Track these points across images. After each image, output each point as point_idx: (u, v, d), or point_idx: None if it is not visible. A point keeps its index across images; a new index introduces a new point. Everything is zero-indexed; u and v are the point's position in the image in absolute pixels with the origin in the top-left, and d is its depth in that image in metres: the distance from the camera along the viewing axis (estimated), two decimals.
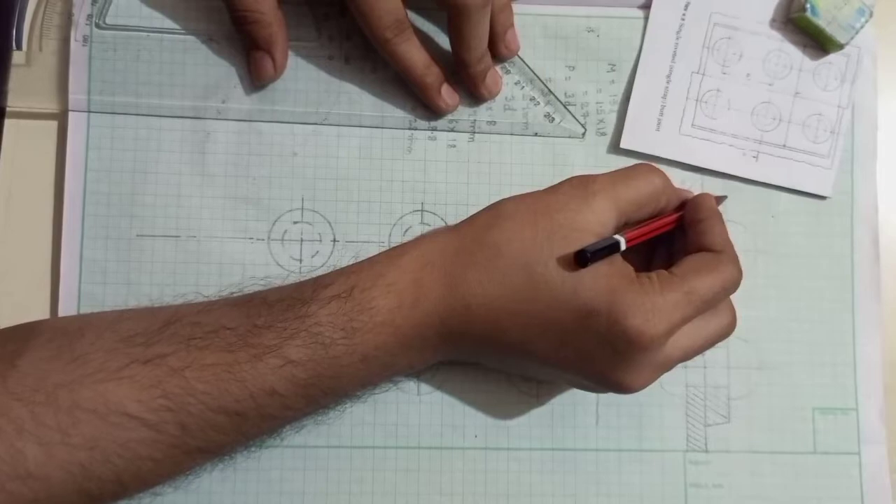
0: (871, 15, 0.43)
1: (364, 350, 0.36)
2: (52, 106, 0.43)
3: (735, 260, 0.38)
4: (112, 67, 0.43)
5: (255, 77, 0.43)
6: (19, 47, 0.43)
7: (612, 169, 0.42)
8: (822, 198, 0.45)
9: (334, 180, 0.44)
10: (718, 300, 0.37)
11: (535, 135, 0.44)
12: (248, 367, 0.34)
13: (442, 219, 0.44)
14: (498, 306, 0.36)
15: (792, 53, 0.45)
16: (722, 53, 0.45)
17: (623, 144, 0.44)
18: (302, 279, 0.38)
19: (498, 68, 0.44)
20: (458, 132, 0.44)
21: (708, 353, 0.43)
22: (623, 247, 0.36)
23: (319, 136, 0.44)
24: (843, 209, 0.45)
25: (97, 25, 0.43)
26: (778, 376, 0.44)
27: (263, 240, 0.43)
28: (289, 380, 0.35)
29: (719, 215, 0.40)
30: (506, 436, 0.43)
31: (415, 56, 0.42)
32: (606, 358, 0.36)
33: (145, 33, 0.43)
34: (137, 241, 0.43)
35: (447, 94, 0.44)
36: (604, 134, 0.45)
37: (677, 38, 0.45)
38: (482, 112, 0.44)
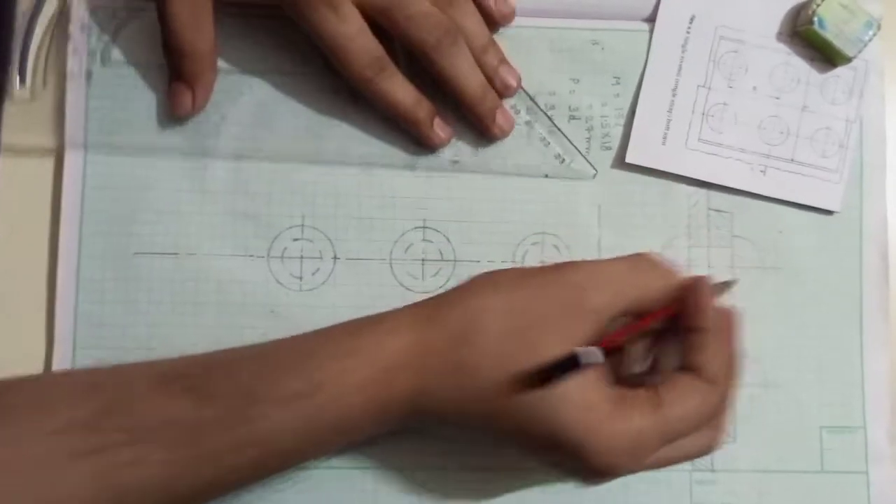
0: (878, 28, 0.43)
1: (319, 443, 0.35)
2: (49, 141, 0.42)
3: (725, 391, 0.36)
4: (111, 105, 0.42)
5: (173, 109, 0.42)
6: (23, 82, 0.42)
7: (617, 186, 0.42)
8: (831, 213, 0.44)
9: (335, 196, 0.43)
10: (699, 429, 0.35)
11: (546, 176, 0.43)
12: (188, 468, 0.32)
13: (444, 236, 0.43)
14: (466, 420, 0.35)
15: (799, 67, 0.44)
16: (728, 67, 0.44)
17: (628, 159, 0.44)
18: (264, 344, 0.36)
19: (509, 108, 0.43)
20: (464, 173, 0.43)
21: None
22: (596, 361, 0.33)
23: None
24: (851, 224, 0.44)
25: (102, 62, 0.42)
26: (785, 394, 0.43)
27: (263, 257, 0.42)
28: (232, 476, 0.33)
29: (730, 330, 0.37)
30: (509, 456, 0.42)
31: (400, 93, 0.41)
32: (572, 474, 0.35)
33: (145, 70, 0.43)
34: (135, 259, 0.42)
35: (440, 127, 0.42)
36: (609, 148, 0.44)
37: (683, 52, 0.44)
38: (488, 153, 0.43)
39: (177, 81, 0.41)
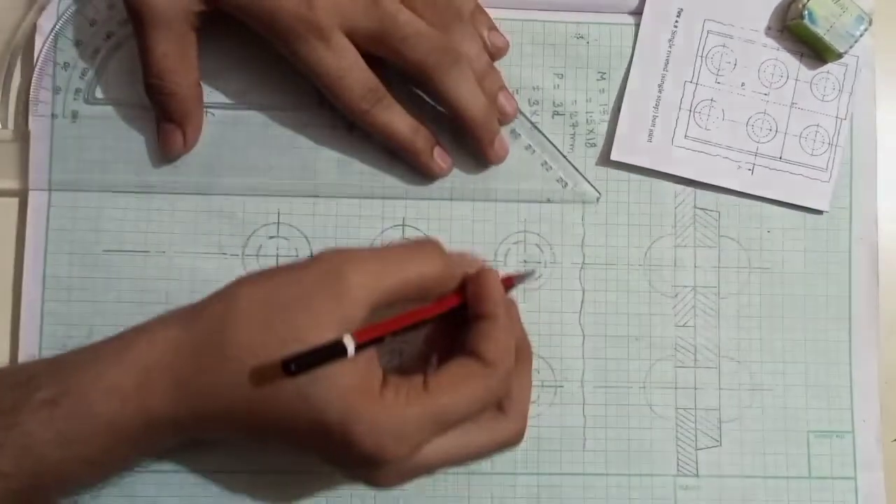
0: (870, 23, 0.42)
1: (87, 455, 0.32)
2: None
3: (505, 374, 0.34)
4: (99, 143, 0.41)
5: (164, 150, 0.40)
6: (5, 125, 0.41)
7: (602, 184, 0.41)
8: (819, 212, 0.43)
9: (312, 192, 0.42)
10: (478, 415, 0.34)
11: (548, 201, 0.42)
12: None
13: (424, 234, 0.42)
14: (231, 415, 0.33)
15: (788, 62, 0.43)
16: (716, 62, 0.43)
17: (613, 156, 0.42)
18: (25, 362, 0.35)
19: (509, 132, 0.42)
20: (465, 201, 0.42)
21: (699, 374, 0.42)
22: (351, 352, 0.31)
23: (298, 148, 0.42)
24: (840, 224, 0.43)
25: (86, 101, 0.41)
26: (771, 398, 0.42)
27: (237, 255, 0.41)
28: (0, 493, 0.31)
29: (506, 313, 0.35)
30: (489, 460, 0.41)
31: (398, 123, 0.40)
32: (352, 464, 0.33)
33: (131, 109, 0.41)
34: (104, 256, 0.40)
35: (440, 156, 0.41)
36: (594, 145, 0.43)
37: (670, 46, 0.43)
38: (490, 180, 0.42)
39: (165, 122, 0.40)
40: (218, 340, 0.32)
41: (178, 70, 0.39)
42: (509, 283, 0.37)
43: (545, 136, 0.42)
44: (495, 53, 0.41)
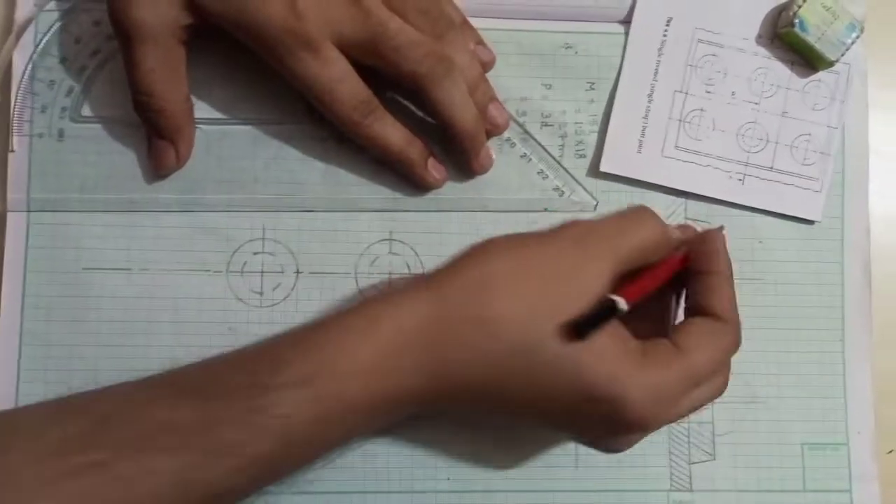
0: (861, 30, 0.41)
1: (340, 433, 0.33)
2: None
3: (738, 328, 0.36)
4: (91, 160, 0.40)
5: (156, 167, 0.39)
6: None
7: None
8: (811, 223, 0.42)
9: (299, 206, 0.41)
10: (722, 371, 0.35)
11: (545, 210, 0.41)
12: (200, 471, 0.30)
13: (412, 248, 0.41)
14: (487, 391, 0.33)
15: (779, 71, 0.42)
16: (706, 71, 0.42)
17: (603, 168, 0.42)
18: (259, 341, 0.34)
19: (503, 141, 0.41)
20: (466, 211, 0.41)
21: None
22: (625, 309, 0.32)
23: (282, 160, 0.41)
24: (833, 234, 0.42)
25: (72, 119, 0.40)
26: (765, 411, 0.42)
27: (221, 272, 0.40)
28: (249, 476, 0.31)
29: (729, 270, 0.36)
30: (481, 478, 0.40)
31: (391, 134, 0.39)
32: (603, 431, 0.34)
33: (119, 126, 0.40)
34: (85, 274, 0.39)
35: (434, 167, 0.40)
36: (583, 156, 0.42)
37: (659, 56, 0.42)
38: (489, 188, 0.41)
39: (157, 139, 0.39)
40: (477, 314, 0.32)
41: (167, 86, 0.38)
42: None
43: (540, 145, 0.42)
44: (481, 68, 0.40)
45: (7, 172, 0.40)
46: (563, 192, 0.42)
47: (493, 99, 0.40)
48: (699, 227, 0.38)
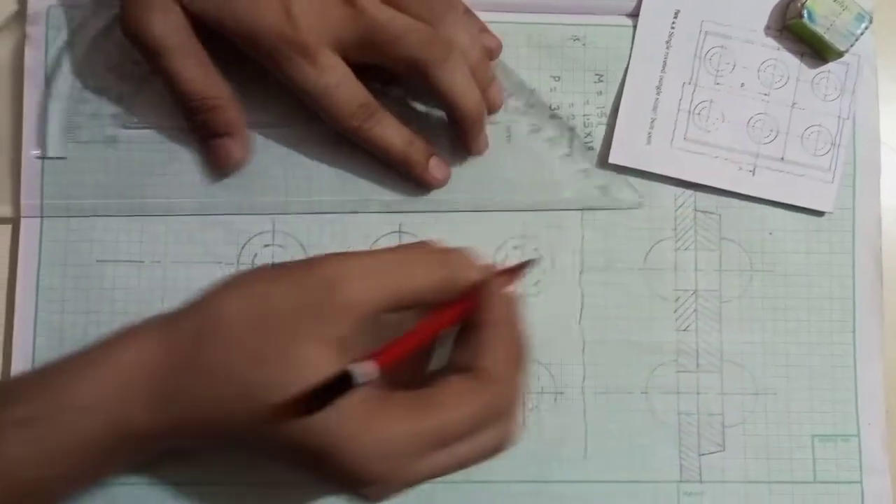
0: (871, 20, 0.41)
1: (64, 473, 0.31)
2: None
3: (510, 388, 0.32)
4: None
5: (222, 165, 0.39)
6: (45, 150, 0.40)
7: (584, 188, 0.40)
8: (822, 214, 0.42)
9: (307, 209, 0.41)
10: (478, 431, 0.32)
11: (590, 208, 0.41)
12: None
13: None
14: (215, 434, 0.31)
15: (788, 62, 0.42)
16: (714, 63, 0.42)
17: (612, 159, 0.41)
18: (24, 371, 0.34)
19: (547, 140, 0.41)
20: (481, 211, 0.41)
21: (701, 378, 0.41)
22: (363, 382, 0.29)
23: (292, 155, 0.41)
24: (843, 225, 0.42)
25: (124, 126, 0.40)
26: (775, 402, 0.41)
27: (233, 264, 0.40)
28: None
29: (508, 323, 0.33)
30: (490, 468, 0.40)
31: (391, 136, 0.39)
32: (335, 487, 0.32)
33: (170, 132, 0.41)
34: (98, 266, 0.40)
35: (436, 166, 0.40)
36: (591, 148, 0.42)
37: (667, 48, 0.42)
38: (533, 191, 0.41)
39: (216, 139, 0.39)
40: (199, 360, 0.31)
41: (212, 85, 0.38)
42: (510, 276, 0.36)
43: (585, 146, 0.42)
44: (488, 55, 0.40)
45: (21, 178, 0.40)
46: (607, 191, 0.42)
47: (493, 80, 0.40)
48: (481, 267, 0.35)
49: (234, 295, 0.32)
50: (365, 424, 0.30)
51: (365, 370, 0.29)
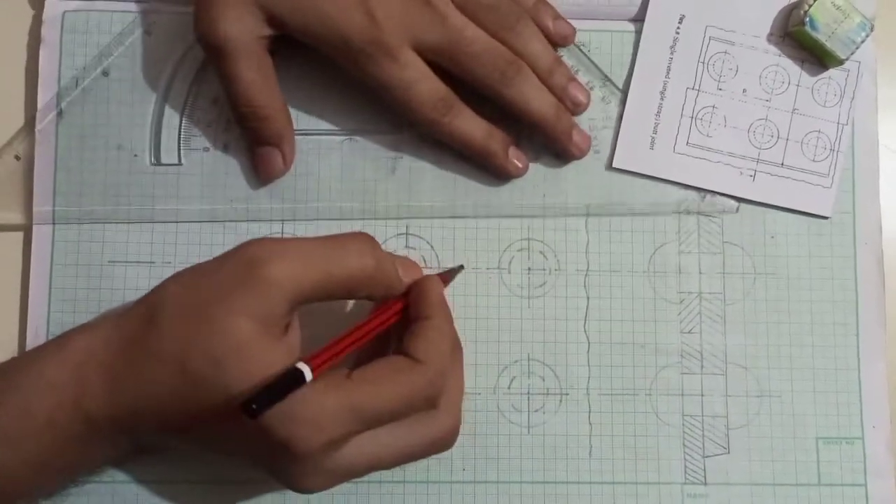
0: (871, 29, 0.41)
1: (32, 456, 0.32)
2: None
3: (438, 375, 0.33)
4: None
5: (264, 174, 0.40)
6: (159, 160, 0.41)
7: (605, 190, 0.40)
8: (823, 217, 0.42)
9: (315, 203, 0.41)
10: (405, 414, 0.32)
11: (687, 212, 0.42)
12: None
13: (428, 242, 0.41)
14: (164, 412, 0.32)
15: (790, 69, 0.42)
16: (717, 68, 0.42)
17: (615, 164, 0.42)
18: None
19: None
20: (582, 216, 0.41)
21: (705, 380, 0.41)
22: (308, 377, 0.29)
23: (299, 157, 0.41)
24: (845, 229, 0.42)
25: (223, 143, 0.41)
26: (779, 405, 0.41)
27: None
28: None
29: (442, 319, 0.34)
30: (495, 469, 0.40)
31: (471, 129, 0.39)
32: (269, 457, 0.32)
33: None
34: (109, 267, 0.40)
35: (516, 156, 0.41)
36: (597, 152, 0.42)
37: (671, 53, 0.42)
38: (538, 195, 0.41)
39: (261, 146, 0.39)
40: (143, 337, 0.31)
41: (267, 94, 0.38)
42: (444, 278, 0.38)
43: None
44: (562, 41, 0.41)
45: (32, 183, 0.40)
46: (704, 196, 0.42)
47: (572, 79, 0.41)
48: (415, 265, 0.37)
49: (171, 282, 0.33)
50: (299, 396, 0.30)
51: (306, 370, 0.30)
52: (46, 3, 0.41)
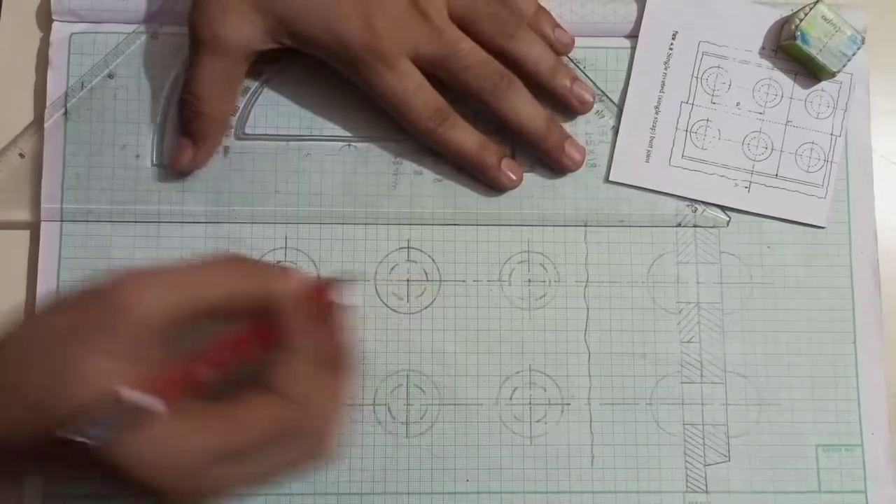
0: (863, 41, 0.40)
1: None
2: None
3: (305, 410, 0.30)
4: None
5: (171, 162, 0.39)
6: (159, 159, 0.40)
7: (603, 203, 0.39)
8: (819, 227, 0.41)
9: (318, 207, 0.40)
10: (273, 445, 0.30)
11: (679, 225, 0.41)
12: None
13: (429, 255, 0.40)
14: (32, 449, 0.28)
15: (782, 82, 0.42)
16: (711, 83, 0.42)
17: (612, 177, 0.41)
18: None
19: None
20: (581, 228, 0.41)
21: (705, 389, 0.40)
22: (158, 409, 0.27)
23: (302, 173, 0.40)
24: (840, 239, 0.41)
25: (237, 136, 0.40)
26: (778, 413, 0.40)
27: None
28: None
29: (302, 337, 0.31)
30: (498, 479, 0.39)
31: (465, 139, 0.39)
32: (137, 493, 0.29)
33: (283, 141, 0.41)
34: (117, 264, 0.39)
35: (509, 168, 0.40)
36: (595, 166, 0.41)
37: (665, 68, 0.42)
38: (537, 206, 0.41)
39: (183, 136, 0.39)
40: (4, 373, 0.28)
41: (219, 96, 0.38)
42: (323, 293, 0.32)
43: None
44: (562, 50, 0.41)
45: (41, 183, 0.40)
46: (696, 209, 0.41)
47: (576, 79, 0.40)
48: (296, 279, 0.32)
49: (33, 317, 0.30)
50: (150, 434, 0.28)
51: (140, 399, 0.27)
52: (54, 26, 0.40)
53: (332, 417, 0.32)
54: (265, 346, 0.31)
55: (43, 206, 0.40)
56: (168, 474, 0.28)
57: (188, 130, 0.39)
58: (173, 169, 0.40)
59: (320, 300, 0.32)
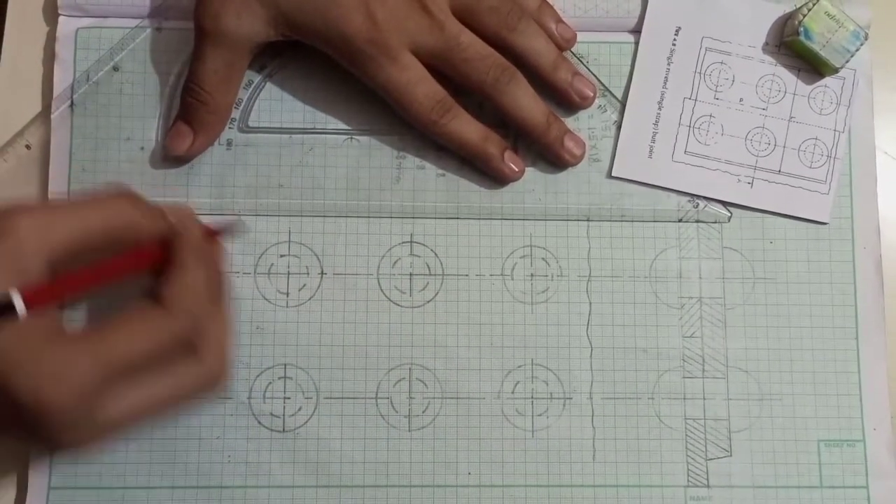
0: (866, 37, 0.39)
1: None
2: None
3: (187, 318, 0.30)
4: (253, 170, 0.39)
5: (168, 146, 0.38)
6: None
7: (606, 198, 0.39)
8: (822, 223, 0.40)
9: (321, 200, 0.40)
10: (160, 360, 0.29)
11: (680, 221, 0.40)
12: None
13: (432, 250, 0.39)
14: None
15: (785, 77, 0.41)
16: (714, 78, 0.41)
17: (615, 172, 0.40)
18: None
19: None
20: (583, 223, 0.40)
21: (707, 384, 0.39)
22: (21, 311, 0.26)
23: (305, 167, 0.40)
24: (843, 234, 0.40)
25: (240, 129, 0.40)
26: (780, 408, 0.39)
27: (249, 273, 0.39)
28: None
29: (196, 259, 0.31)
30: (500, 472, 0.38)
31: (467, 131, 0.38)
32: (30, 423, 0.27)
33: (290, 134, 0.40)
34: None
35: (511, 159, 0.39)
36: (598, 160, 0.40)
37: (669, 64, 0.41)
38: (540, 201, 0.40)
39: (182, 122, 0.38)
40: None
41: (222, 87, 0.38)
42: (214, 234, 0.34)
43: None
44: (563, 45, 0.40)
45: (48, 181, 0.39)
46: (697, 205, 0.40)
47: (577, 74, 0.40)
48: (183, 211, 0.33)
49: None
50: (39, 347, 0.27)
51: (18, 299, 0.27)
52: (60, 20, 0.40)
53: (221, 340, 0.31)
54: (149, 267, 0.31)
55: (49, 197, 0.39)
56: (58, 388, 0.27)
57: (188, 119, 0.38)
58: (170, 153, 0.39)
59: (210, 240, 0.33)
